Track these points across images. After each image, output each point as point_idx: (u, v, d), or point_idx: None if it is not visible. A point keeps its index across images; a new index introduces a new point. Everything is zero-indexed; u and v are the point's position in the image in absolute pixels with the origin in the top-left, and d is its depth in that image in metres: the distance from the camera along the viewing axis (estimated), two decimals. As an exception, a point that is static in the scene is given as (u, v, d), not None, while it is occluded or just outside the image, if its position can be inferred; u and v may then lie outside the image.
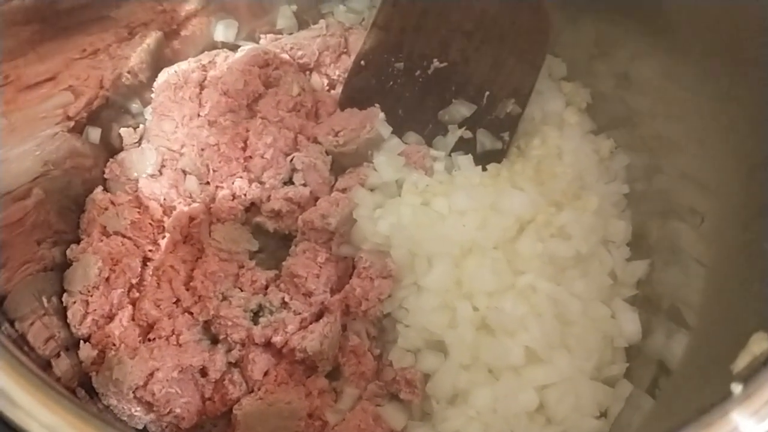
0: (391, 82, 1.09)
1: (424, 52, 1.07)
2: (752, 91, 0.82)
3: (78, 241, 1.00)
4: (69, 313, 0.93)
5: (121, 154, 1.07)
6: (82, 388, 0.90)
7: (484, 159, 1.07)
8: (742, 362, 0.54)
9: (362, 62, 1.09)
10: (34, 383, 0.53)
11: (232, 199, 1.03)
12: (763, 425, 0.49)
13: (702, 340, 0.81)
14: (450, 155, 1.08)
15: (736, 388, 0.51)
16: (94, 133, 1.04)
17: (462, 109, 1.08)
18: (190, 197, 1.04)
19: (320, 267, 0.98)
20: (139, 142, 1.10)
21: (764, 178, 0.79)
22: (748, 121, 0.83)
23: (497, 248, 0.96)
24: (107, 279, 0.95)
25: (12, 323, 0.82)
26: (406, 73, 1.08)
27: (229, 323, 0.94)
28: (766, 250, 0.71)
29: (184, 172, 1.06)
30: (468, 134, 1.08)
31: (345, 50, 1.16)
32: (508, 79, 1.06)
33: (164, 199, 1.03)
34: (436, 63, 1.07)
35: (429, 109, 1.09)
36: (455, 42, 1.06)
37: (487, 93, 1.07)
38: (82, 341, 0.93)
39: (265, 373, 0.94)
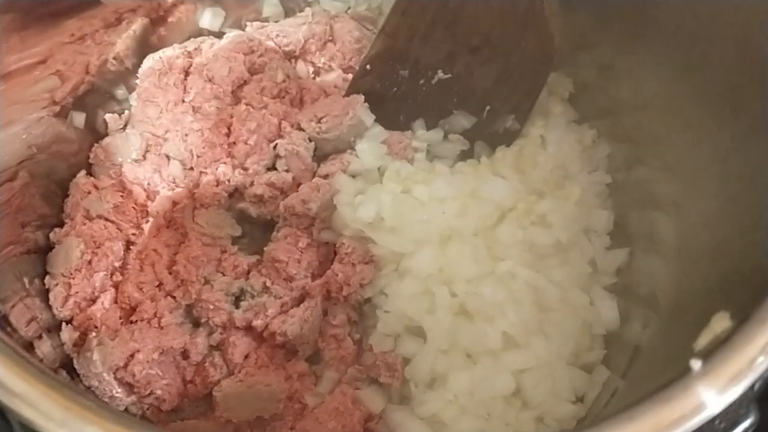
0: (395, 89, 1.09)
1: (430, 63, 1.07)
2: (730, 85, 0.82)
3: (62, 225, 1.00)
4: (51, 295, 0.94)
5: (106, 140, 1.07)
6: (64, 370, 0.91)
7: None
8: (703, 340, 0.55)
9: (368, 66, 1.08)
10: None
11: (216, 185, 1.03)
12: (725, 397, 0.50)
13: (671, 323, 0.82)
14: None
15: (696, 364, 0.52)
16: (79, 118, 1.05)
17: (462, 120, 1.08)
18: (174, 182, 1.04)
19: (301, 252, 0.98)
20: (125, 127, 1.10)
21: (736, 167, 0.80)
22: (725, 113, 0.84)
23: (477, 235, 0.97)
24: (89, 262, 0.95)
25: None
26: (411, 81, 1.08)
27: (211, 307, 0.95)
28: (729, 234, 0.72)
29: (168, 158, 1.06)
30: (466, 144, 1.09)
31: (330, 38, 1.16)
32: (510, 96, 1.06)
33: (148, 184, 1.04)
34: (440, 74, 1.07)
35: (430, 117, 1.09)
36: (461, 55, 1.05)
37: (488, 107, 1.07)
38: (64, 323, 0.93)
39: (246, 357, 0.95)
